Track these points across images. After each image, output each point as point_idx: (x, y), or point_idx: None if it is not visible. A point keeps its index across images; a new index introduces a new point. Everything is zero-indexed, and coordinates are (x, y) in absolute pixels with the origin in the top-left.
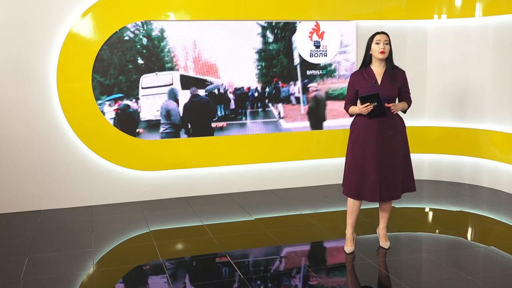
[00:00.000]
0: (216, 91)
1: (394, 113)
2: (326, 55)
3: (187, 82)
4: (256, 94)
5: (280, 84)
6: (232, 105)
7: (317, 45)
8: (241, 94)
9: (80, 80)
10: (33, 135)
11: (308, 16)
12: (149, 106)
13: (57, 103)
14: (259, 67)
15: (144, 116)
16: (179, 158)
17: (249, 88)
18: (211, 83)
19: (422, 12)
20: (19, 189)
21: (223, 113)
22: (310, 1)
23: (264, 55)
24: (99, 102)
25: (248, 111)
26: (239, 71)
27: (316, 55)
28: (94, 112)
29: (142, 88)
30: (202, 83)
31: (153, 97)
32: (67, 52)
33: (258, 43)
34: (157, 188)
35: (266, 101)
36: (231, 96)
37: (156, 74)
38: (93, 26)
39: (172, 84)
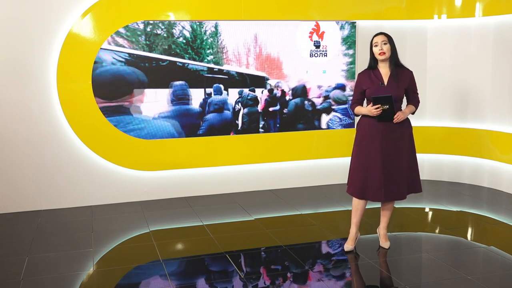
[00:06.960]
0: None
1: (399, 120)
2: (326, 55)
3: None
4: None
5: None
6: None
7: (317, 45)
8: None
9: (80, 80)
10: (33, 135)
11: (308, 16)
12: None
13: (57, 103)
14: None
15: None
16: (179, 158)
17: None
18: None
19: (422, 12)
20: (19, 189)
21: None
22: (310, 1)
23: None
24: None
25: None
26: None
27: (316, 55)
28: (94, 112)
29: None
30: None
31: None
32: (67, 52)
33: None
34: (157, 188)
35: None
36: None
37: None
38: (93, 26)
39: None
